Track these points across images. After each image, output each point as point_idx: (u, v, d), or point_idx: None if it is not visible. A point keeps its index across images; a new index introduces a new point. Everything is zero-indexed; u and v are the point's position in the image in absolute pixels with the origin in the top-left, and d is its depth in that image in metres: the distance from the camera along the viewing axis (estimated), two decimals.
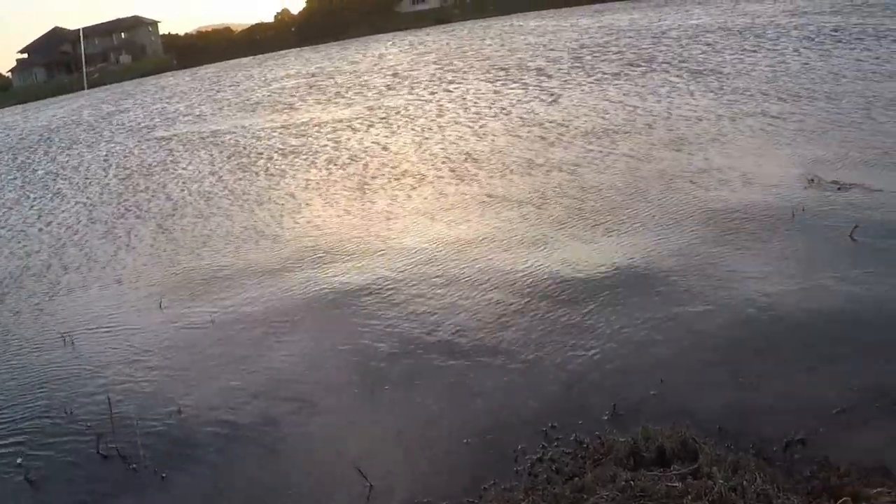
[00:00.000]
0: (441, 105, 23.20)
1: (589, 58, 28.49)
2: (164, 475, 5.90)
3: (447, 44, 47.33)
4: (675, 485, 4.49)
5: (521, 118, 18.88)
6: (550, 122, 17.68)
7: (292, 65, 52.47)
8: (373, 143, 18.94)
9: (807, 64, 20.49)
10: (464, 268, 9.17)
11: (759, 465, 4.70)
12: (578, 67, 26.29)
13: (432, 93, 26.17)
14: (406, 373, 6.85)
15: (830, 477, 4.64)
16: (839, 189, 10.14)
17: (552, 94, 21.77)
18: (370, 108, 24.82)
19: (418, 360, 7.04)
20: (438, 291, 8.54)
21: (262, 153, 19.94)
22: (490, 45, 41.30)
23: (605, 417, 5.72)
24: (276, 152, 19.74)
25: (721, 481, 4.32)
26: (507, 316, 7.68)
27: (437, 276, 9.00)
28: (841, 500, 4.23)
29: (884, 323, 6.55)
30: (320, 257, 10.49)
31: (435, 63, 35.98)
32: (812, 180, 10.64)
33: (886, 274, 7.46)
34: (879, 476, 4.63)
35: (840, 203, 9.61)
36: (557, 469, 5.14)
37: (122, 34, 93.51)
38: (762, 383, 5.90)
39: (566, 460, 5.22)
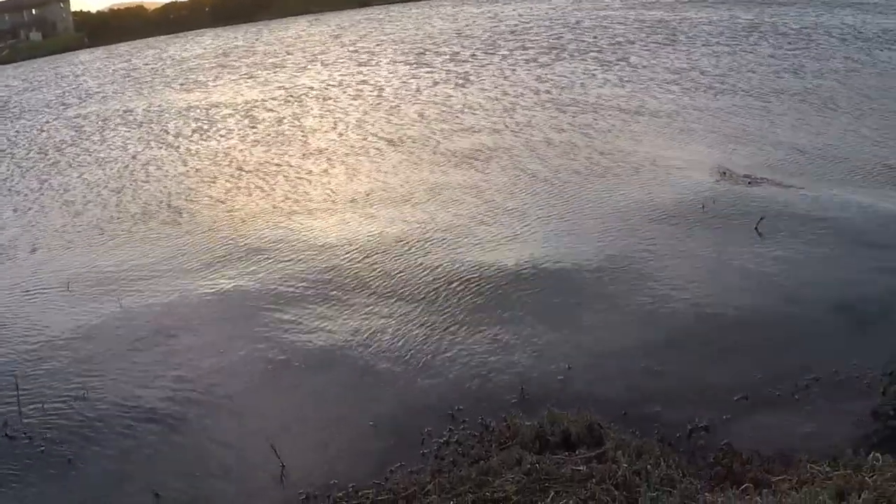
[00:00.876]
0: (350, 85, 22.99)
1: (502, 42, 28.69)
2: (70, 457, 5.66)
3: (363, 25, 46.85)
4: (580, 468, 4.50)
5: (427, 100, 18.94)
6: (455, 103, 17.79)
7: (206, 44, 50.94)
8: (285, 121, 18.60)
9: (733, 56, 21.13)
10: (372, 254, 9.05)
11: (662, 450, 4.77)
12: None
13: (343, 74, 25.85)
14: (313, 358, 6.70)
15: (733, 463, 4.72)
16: (749, 183, 10.46)
17: (462, 77, 21.92)
18: (283, 88, 24.36)
19: (325, 347, 6.90)
20: (346, 282, 8.37)
21: (173, 131, 19.36)
22: (406, 27, 41.08)
23: (512, 401, 5.72)
24: (185, 129, 19.23)
25: (625, 465, 4.34)
26: (416, 302, 7.60)
27: (343, 269, 8.77)
28: (743, 487, 4.29)
29: (783, 315, 6.77)
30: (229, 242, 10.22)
31: (349, 45, 35.54)
32: (724, 173, 10.94)
33: (787, 266, 7.73)
34: (780, 463, 4.75)
35: (749, 196, 9.89)
36: (463, 452, 5.11)
37: (33, 10, 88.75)
38: (667, 371, 6.02)
39: (472, 443, 5.20)
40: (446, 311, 7.37)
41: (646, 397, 5.66)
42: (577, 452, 4.79)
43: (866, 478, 4.14)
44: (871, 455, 4.56)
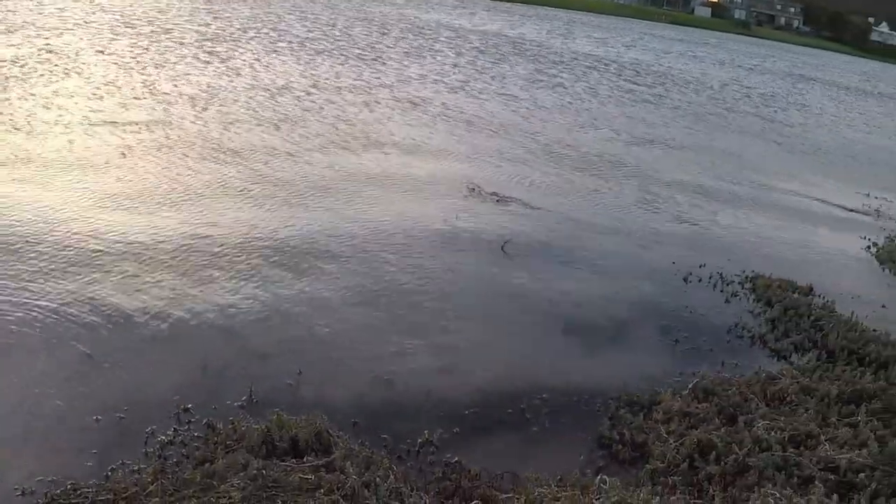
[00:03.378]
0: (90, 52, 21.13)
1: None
2: None
3: None
4: (308, 477, 4.50)
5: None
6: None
7: None
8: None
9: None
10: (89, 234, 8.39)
11: (392, 462, 4.88)
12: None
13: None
14: (34, 344, 6.07)
15: (461, 479, 4.91)
16: (498, 201, 11.14)
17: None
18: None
19: (46, 330, 6.29)
20: (71, 256, 7.70)
21: None
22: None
23: (241, 403, 5.60)
24: None
25: (354, 477, 4.39)
26: (145, 290, 7.16)
27: (65, 242, 8.06)
28: None
29: (518, 334, 7.32)
30: None
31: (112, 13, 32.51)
32: (473, 189, 11.50)
33: (527, 287, 8.39)
34: (509, 481, 5.02)
35: (496, 214, 10.57)
36: (188, 453, 4.93)
37: None
38: (399, 381, 6.18)
39: (198, 444, 5.03)
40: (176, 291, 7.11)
41: (377, 406, 5.78)
42: (305, 460, 4.77)
43: (593, 500, 4.46)
44: (599, 477, 5.00)
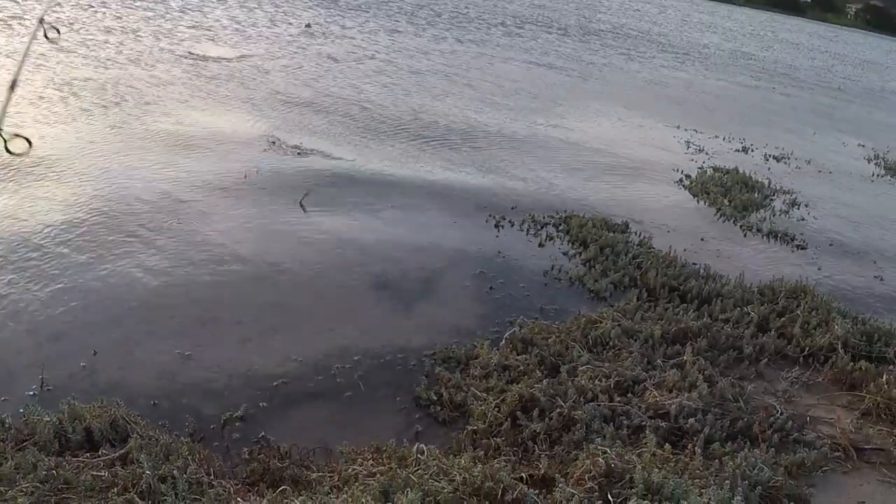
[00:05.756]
0: None
1: None
2: None
3: None
4: (101, 474, 4.27)
5: None
6: None
7: None
8: None
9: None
10: None
11: (192, 448, 4.66)
12: None
13: None
14: None
15: (270, 459, 4.69)
16: (299, 154, 10.85)
17: None
18: None
19: None
20: None
21: None
22: None
23: (31, 393, 5.28)
24: None
25: (149, 471, 4.18)
26: None
27: None
28: (280, 490, 4.28)
29: (323, 294, 7.17)
30: None
31: None
32: (273, 142, 11.15)
33: (330, 243, 8.21)
34: (322, 456, 4.87)
35: (297, 167, 10.28)
36: None
37: None
38: (202, 354, 5.94)
39: None
40: None
41: (179, 386, 5.54)
42: (100, 453, 4.54)
43: (411, 474, 4.29)
44: (416, 447, 4.81)
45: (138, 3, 21.30)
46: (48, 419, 4.83)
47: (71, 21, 17.21)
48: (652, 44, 36.54)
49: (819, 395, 6.49)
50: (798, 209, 12.41)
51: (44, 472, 4.31)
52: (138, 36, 17.23)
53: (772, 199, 12.65)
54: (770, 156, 16.34)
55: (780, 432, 5.62)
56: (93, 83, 12.78)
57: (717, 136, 17.38)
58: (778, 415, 5.87)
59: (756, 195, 12.60)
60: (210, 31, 19.60)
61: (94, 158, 9.62)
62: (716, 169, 14.03)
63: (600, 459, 4.72)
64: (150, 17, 19.66)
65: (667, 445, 5.08)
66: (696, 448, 5.13)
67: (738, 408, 5.83)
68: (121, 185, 8.95)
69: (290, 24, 22.81)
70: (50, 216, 7.88)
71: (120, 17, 18.99)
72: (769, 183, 13.61)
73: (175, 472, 4.26)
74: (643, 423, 5.34)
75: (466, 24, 30.00)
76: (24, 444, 4.66)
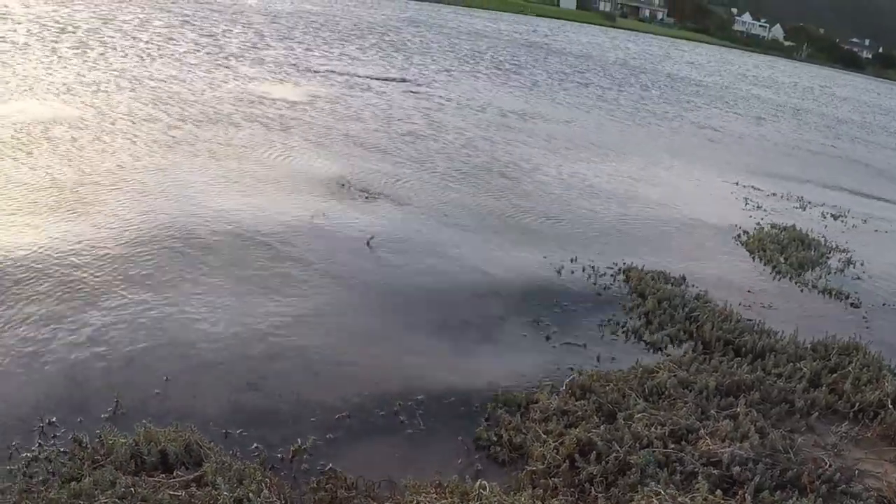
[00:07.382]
0: None
1: None
2: None
3: None
4: (178, 493, 4.46)
5: None
6: None
7: None
8: None
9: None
10: None
11: (264, 474, 4.83)
12: None
13: None
14: None
15: (337, 489, 4.85)
16: (367, 198, 11.27)
17: None
18: None
19: None
20: None
21: None
22: None
23: (107, 415, 5.48)
24: None
25: (226, 493, 4.36)
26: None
27: None
28: None
29: (390, 334, 7.35)
30: None
31: None
32: (343, 185, 11.62)
33: (394, 285, 8.47)
34: (386, 489, 5.00)
35: (365, 210, 10.64)
36: (54, 470, 4.80)
37: None
38: (270, 386, 6.12)
39: (64, 461, 4.90)
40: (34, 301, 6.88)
41: (248, 415, 5.72)
42: (175, 475, 4.72)
43: None
44: (479, 483, 4.96)
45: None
46: (124, 440, 5.04)
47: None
48: (714, 99, 36.68)
49: (867, 449, 6.48)
50: (853, 267, 12.30)
51: (122, 489, 4.50)
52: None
53: (828, 257, 12.55)
54: (827, 213, 16.22)
55: (829, 483, 5.68)
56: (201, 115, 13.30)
57: (775, 194, 17.31)
58: (826, 467, 5.89)
59: (812, 252, 12.52)
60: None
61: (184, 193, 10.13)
62: (773, 225, 13.97)
63: (655, 502, 4.84)
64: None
65: (718, 492, 5.18)
66: (746, 495, 5.22)
67: (788, 459, 5.87)
68: (200, 219, 9.45)
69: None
70: (130, 248, 8.27)
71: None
72: (825, 241, 13.51)
73: (250, 495, 4.42)
74: (696, 470, 5.44)
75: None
76: (101, 463, 4.88)
